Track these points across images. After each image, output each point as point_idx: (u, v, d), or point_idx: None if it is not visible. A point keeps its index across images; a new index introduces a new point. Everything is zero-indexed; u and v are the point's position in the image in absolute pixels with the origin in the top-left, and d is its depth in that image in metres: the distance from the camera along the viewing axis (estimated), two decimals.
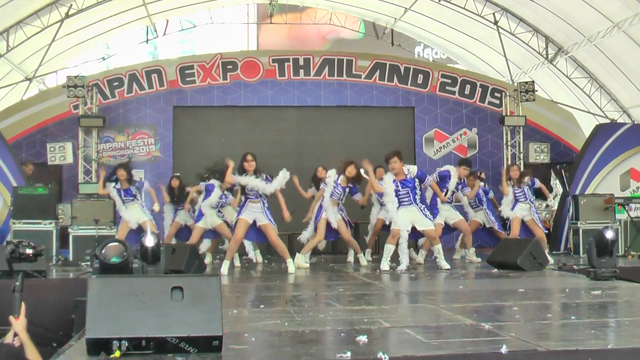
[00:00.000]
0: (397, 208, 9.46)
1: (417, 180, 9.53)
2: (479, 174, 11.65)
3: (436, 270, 9.35)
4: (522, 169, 12.79)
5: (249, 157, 9.15)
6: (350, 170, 10.24)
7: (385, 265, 9.33)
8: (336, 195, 10.30)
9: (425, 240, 10.47)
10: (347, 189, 10.45)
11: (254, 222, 9.17)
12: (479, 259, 10.60)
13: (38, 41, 15.37)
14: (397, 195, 9.48)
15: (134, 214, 10.83)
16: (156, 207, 11.33)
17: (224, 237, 11.13)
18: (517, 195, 10.62)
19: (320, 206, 10.37)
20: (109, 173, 11.23)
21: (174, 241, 11.42)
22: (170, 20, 19.89)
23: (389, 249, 9.47)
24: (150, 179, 13.72)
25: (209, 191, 10.90)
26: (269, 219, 9.16)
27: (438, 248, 9.65)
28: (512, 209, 10.61)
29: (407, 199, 9.48)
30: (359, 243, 11.55)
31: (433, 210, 10.28)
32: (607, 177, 13.60)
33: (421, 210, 9.51)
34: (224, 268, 9.14)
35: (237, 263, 10.57)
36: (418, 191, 9.54)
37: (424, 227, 9.51)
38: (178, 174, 11.96)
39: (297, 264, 9.65)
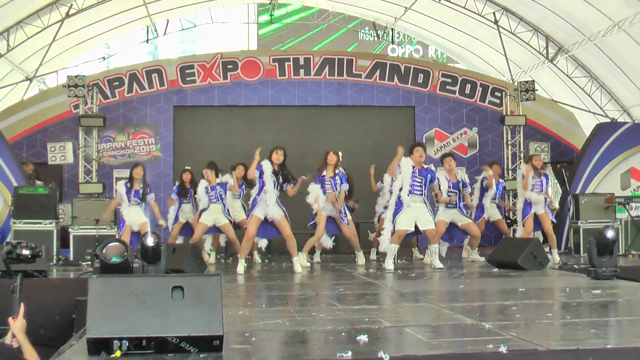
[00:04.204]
0: (408, 194, 9.37)
1: (430, 175, 9.55)
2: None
3: (435, 270, 9.34)
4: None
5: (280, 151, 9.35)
6: (332, 158, 10.32)
7: (390, 264, 9.33)
8: (329, 187, 10.28)
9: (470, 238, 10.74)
10: (338, 178, 10.36)
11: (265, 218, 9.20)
12: (482, 258, 10.59)
13: (38, 41, 15.37)
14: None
15: (135, 215, 10.82)
16: (162, 222, 11.20)
17: (228, 238, 11.11)
18: (534, 185, 10.58)
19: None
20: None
21: (179, 240, 11.43)
22: (171, 20, 19.88)
23: (393, 248, 9.45)
24: (150, 178, 13.72)
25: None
26: (284, 212, 9.20)
27: (434, 248, 9.62)
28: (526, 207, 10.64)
29: (419, 189, 9.45)
30: (359, 243, 11.52)
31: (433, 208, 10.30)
32: (607, 176, 13.59)
33: (427, 206, 9.51)
34: (240, 267, 9.17)
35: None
36: (428, 187, 9.58)
37: (425, 227, 9.47)
38: (189, 167, 11.87)
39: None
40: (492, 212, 11.74)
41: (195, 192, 11.20)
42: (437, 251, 9.64)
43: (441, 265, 9.44)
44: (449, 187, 10.42)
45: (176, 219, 11.61)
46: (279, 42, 25.19)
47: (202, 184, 10.96)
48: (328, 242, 10.69)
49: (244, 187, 11.39)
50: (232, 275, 8.98)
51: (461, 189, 10.59)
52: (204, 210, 10.90)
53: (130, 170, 10.94)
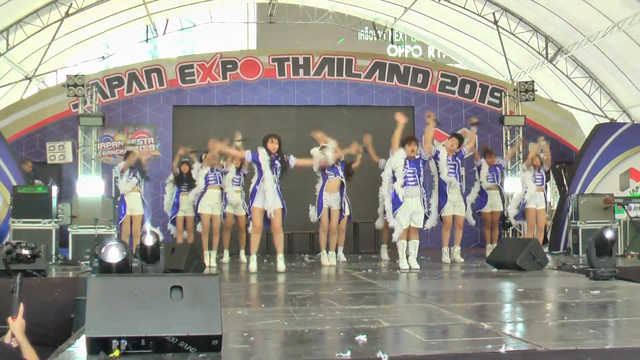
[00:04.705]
0: (402, 186, 9.33)
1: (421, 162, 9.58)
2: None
3: (435, 270, 9.34)
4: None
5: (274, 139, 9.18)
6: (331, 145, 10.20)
7: (404, 264, 9.31)
8: (331, 175, 10.17)
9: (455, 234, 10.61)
10: (338, 166, 10.23)
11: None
12: (462, 260, 10.55)
13: (38, 40, 15.37)
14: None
15: (134, 202, 11.05)
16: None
17: (212, 227, 11.03)
18: (536, 179, 10.69)
19: (321, 196, 10.19)
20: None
21: (185, 234, 11.50)
22: (170, 19, 19.89)
23: (403, 245, 9.41)
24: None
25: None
26: (282, 204, 9.08)
27: (415, 244, 9.55)
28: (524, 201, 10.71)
29: (413, 179, 9.42)
30: (358, 243, 11.53)
31: (442, 198, 10.30)
32: (606, 177, 13.59)
33: (422, 198, 9.47)
34: (252, 265, 9.10)
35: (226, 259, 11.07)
36: (422, 173, 9.56)
37: (414, 224, 9.44)
38: (187, 159, 11.83)
39: (323, 262, 9.90)
40: (495, 201, 11.78)
41: (190, 185, 11.23)
42: (417, 248, 9.60)
43: (418, 266, 9.40)
44: (448, 159, 10.52)
45: (175, 209, 11.58)
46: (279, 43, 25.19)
47: (199, 169, 11.06)
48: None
49: (242, 174, 11.32)
50: (231, 275, 8.98)
51: (459, 160, 10.76)
52: (201, 197, 10.91)
53: (124, 157, 11.33)
